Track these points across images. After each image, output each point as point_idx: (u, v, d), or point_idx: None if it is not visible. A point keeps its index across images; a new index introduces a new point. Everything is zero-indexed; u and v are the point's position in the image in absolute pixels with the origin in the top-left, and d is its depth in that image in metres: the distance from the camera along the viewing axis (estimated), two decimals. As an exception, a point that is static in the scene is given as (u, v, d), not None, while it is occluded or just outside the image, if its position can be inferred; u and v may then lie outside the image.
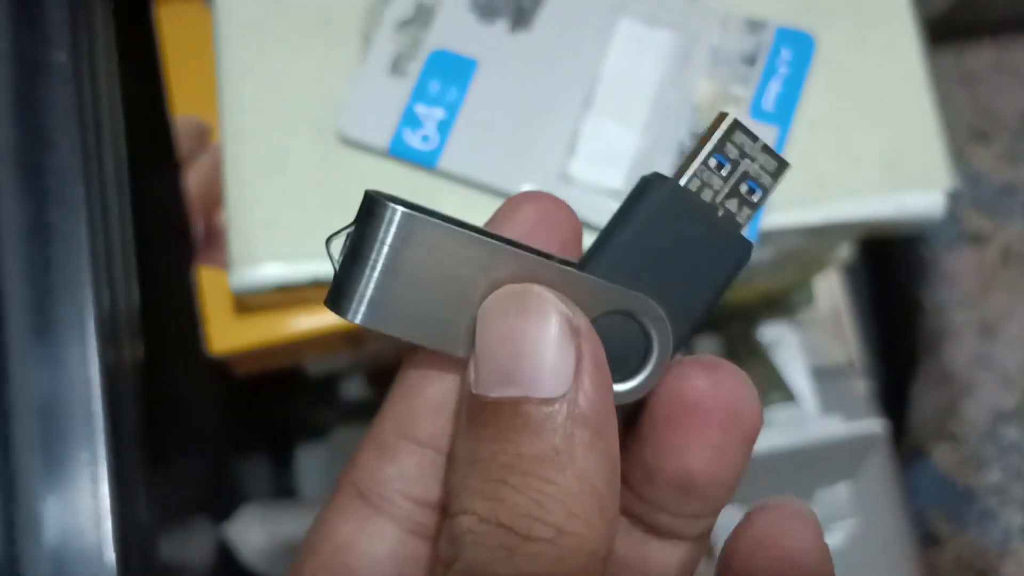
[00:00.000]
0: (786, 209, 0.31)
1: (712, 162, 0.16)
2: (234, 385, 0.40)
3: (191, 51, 0.35)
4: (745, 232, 0.16)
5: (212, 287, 0.33)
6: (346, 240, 0.15)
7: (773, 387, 0.47)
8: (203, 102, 0.34)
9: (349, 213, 0.33)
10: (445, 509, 0.15)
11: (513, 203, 0.17)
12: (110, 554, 0.24)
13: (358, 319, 0.15)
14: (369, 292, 0.15)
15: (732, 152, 0.16)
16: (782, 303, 0.49)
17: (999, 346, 0.58)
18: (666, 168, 0.31)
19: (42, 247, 0.25)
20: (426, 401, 0.16)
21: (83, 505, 0.25)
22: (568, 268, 0.15)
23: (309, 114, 0.32)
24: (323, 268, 0.31)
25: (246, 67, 0.32)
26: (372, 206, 0.15)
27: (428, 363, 0.16)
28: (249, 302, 0.33)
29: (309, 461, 0.48)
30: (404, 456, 0.16)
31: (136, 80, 0.33)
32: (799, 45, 0.32)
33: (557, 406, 0.14)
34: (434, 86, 0.32)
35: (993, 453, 0.57)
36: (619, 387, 0.16)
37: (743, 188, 0.16)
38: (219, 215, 0.35)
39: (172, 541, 0.33)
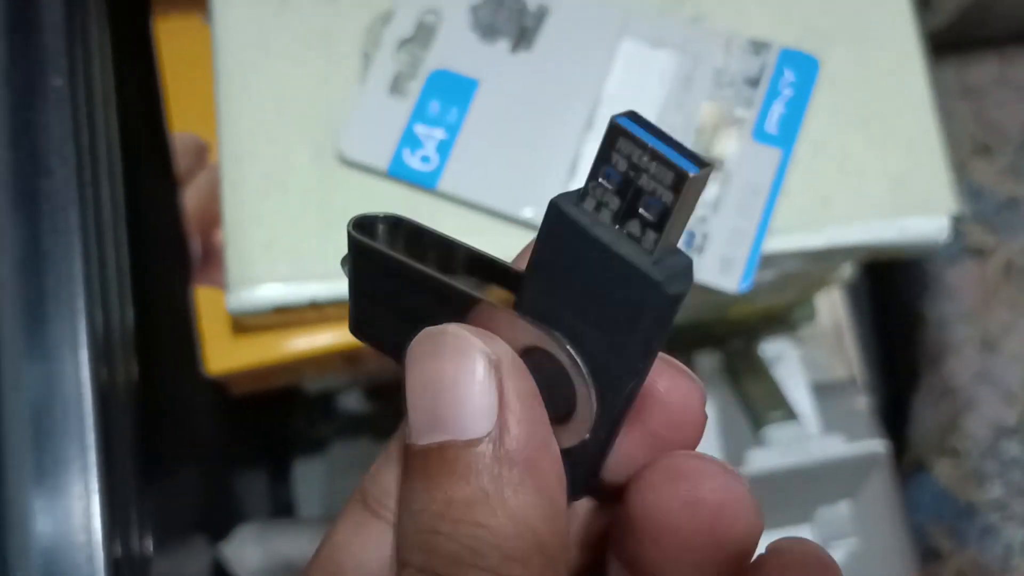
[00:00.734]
0: (789, 233, 0.31)
1: (604, 178, 0.13)
2: (231, 401, 0.39)
3: (190, 67, 0.35)
4: (662, 263, 0.13)
5: (209, 307, 0.33)
6: None
7: (774, 405, 0.47)
8: (202, 119, 0.34)
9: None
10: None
11: None
12: (102, 573, 0.24)
13: (352, 332, 0.15)
14: (353, 310, 0.15)
15: (621, 164, 0.13)
16: (783, 319, 0.49)
17: (1001, 361, 0.58)
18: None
19: (36, 272, 0.24)
20: None
21: (75, 525, 0.24)
22: (491, 302, 0.14)
23: (308, 133, 0.32)
24: (321, 289, 0.31)
25: (245, 85, 0.32)
26: (349, 228, 0.15)
27: None
28: (246, 323, 0.32)
29: (307, 476, 0.48)
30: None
31: (135, 96, 0.32)
32: (803, 67, 0.31)
33: (483, 447, 0.13)
34: (434, 106, 0.31)
35: (994, 469, 0.57)
36: (561, 427, 0.14)
37: (642, 207, 0.13)
38: (217, 234, 0.34)
39: (167, 561, 0.33)
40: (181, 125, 0.35)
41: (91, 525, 0.24)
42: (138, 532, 0.27)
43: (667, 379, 0.15)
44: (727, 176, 0.31)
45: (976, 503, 0.56)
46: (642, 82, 0.32)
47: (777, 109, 0.31)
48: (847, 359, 0.53)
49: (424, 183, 0.31)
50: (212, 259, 0.34)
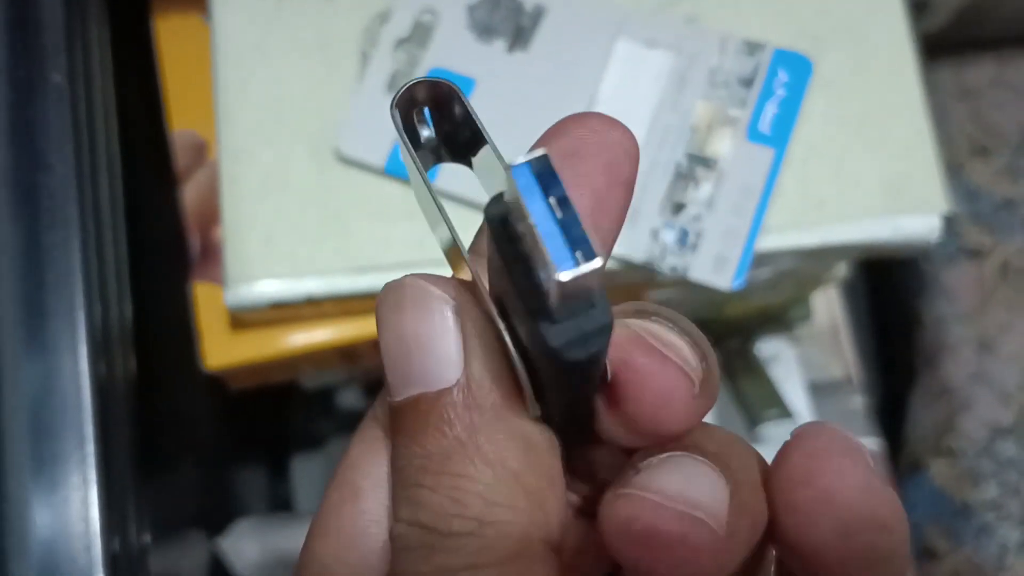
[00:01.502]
0: (782, 232, 0.31)
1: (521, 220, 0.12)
2: (229, 397, 0.40)
3: (189, 66, 0.35)
4: (567, 322, 0.11)
5: (208, 303, 0.33)
6: None
7: (770, 403, 0.47)
8: (201, 117, 0.34)
9: (345, 231, 0.33)
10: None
11: (559, 127, 0.15)
12: (99, 572, 0.24)
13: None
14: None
15: (519, 223, 0.12)
16: (779, 318, 0.49)
17: (997, 362, 0.58)
18: (660, 189, 0.31)
19: (35, 266, 0.25)
20: None
21: (73, 519, 0.25)
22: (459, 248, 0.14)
23: (306, 131, 0.32)
24: (318, 286, 0.31)
25: (243, 84, 0.32)
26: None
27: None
28: (244, 318, 0.33)
29: (305, 472, 0.48)
30: None
31: (134, 94, 0.33)
32: (797, 68, 0.32)
33: (454, 395, 0.13)
34: (431, 105, 0.32)
35: (990, 469, 0.57)
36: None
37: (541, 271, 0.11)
38: (216, 230, 0.35)
39: (164, 555, 0.33)
40: (180, 123, 0.35)
41: (89, 517, 0.25)
42: (136, 526, 0.28)
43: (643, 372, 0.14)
44: (721, 175, 0.31)
45: (971, 503, 0.56)
46: (637, 82, 0.32)
47: (771, 109, 0.31)
48: (843, 359, 0.54)
49: (420, 181, 0.31)
50: (211, 256, 0.34)
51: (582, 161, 0.14)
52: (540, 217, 0.11)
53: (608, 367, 0.13)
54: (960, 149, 0.58)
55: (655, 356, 0.13)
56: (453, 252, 0.14)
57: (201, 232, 0.35)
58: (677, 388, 0.13)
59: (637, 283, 0.33)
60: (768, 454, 0.15)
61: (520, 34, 0.32)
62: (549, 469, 0.14)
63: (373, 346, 0.35)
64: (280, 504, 0.48)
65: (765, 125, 0.31)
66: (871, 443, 0.44)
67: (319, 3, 0.33)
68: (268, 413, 0.48)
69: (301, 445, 0.49)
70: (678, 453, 0.14)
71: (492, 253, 0.13)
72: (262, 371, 0.35)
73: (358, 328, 0.33)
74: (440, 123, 0.15)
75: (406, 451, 0.14)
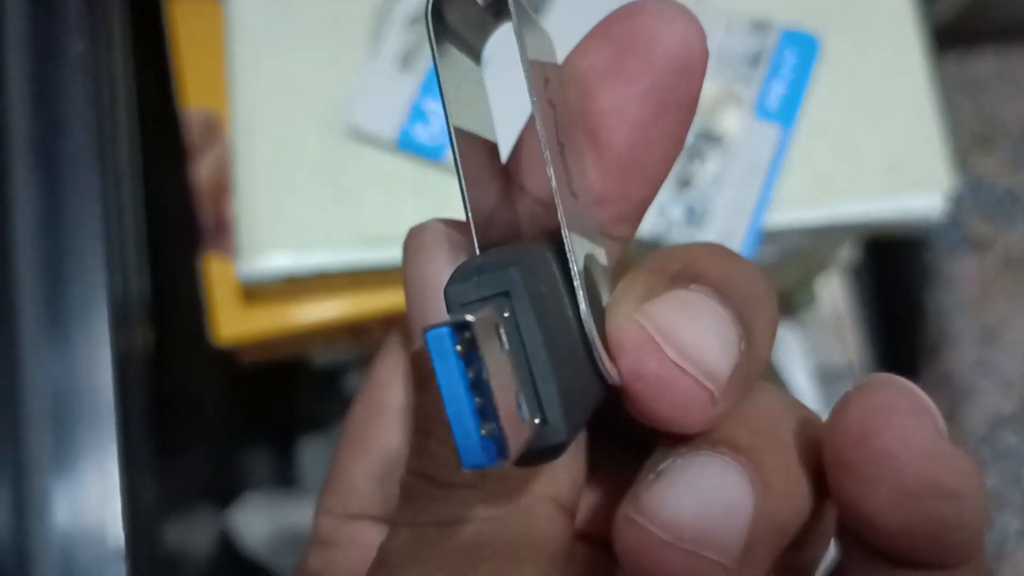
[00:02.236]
0: (788, 209, 0.32)
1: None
2: (239, 375, 0.40)
3: (202, 44, 0.35)
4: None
5: (220, 276, 0.34)
6: None
7: (773, 387, 0.47)
8: (214, 94, 0.35)
9: (357, 205, 0.33)
10: None
11: (602, 27, 0.13)
12: (118, 538, 0.25)
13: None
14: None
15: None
16: (784, 303, 0.49)
17: (999, 352, 0.59)
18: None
19: (57, 233, 0.25)
20: None
21: (92, 488, 0.25)
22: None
23: (318, 108, 0.33)
24: (329, 260, 0.32)
25: (257, 61, 0.33)
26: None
27: None
28: (256, 291, 0.33)
29: (312, 453, 0.49)
30: None
31: (148, 72, 0.33)
32: (803, 47, 0.32)
33: None
34: (442, 82, 0.32)
35: (990, 458, 0.58)
36: None
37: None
38: (228, 206, 0.35)
39: (177, 527, 0.33)
40: (194, 100, 0.35)
41: (108, 490, 0.25)
42: (152, 498, 0.28)
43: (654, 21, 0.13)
44: (728, 153, 0.31)
45: (972, 492, 0.57)
46: (646, 61, 0.32)
47: (777, 88, 0.32)
48: (846, 346, 0.54)
49: (432, 156, 0.32)
50: (223, 231, 0.35)
51: (615, 83, 0.13)
52: (451, 397, 0.10)
53: (618, 374, 0.12)
54: (963, 140, 0.59)
55: (666, 367, 0.12)
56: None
57: (214, 207, 0.35)
58: (693, 399, 0.12)
59: (644, 260, 0.33)
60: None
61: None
62: None
63: (382, 322, 0.35)
64: (287, 482, 0.48)
65: (772, 103, 0.32)
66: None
67: (332, -18, 0.34)
68: (277, 394, 0.48)
69: (308, 426, 0.50)
70: (701, 455, 0.12)
71: None
72: (272, 346, 0.36)
73: (368, 303, 0.34)
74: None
75: (421, 400, 0.14)
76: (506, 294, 0.11)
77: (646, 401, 0.12)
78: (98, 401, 0.25)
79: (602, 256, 0.13)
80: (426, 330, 0.10)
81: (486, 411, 0.10)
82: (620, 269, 0.14)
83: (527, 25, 0.13)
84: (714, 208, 0.31)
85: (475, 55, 0.14)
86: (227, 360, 0.37)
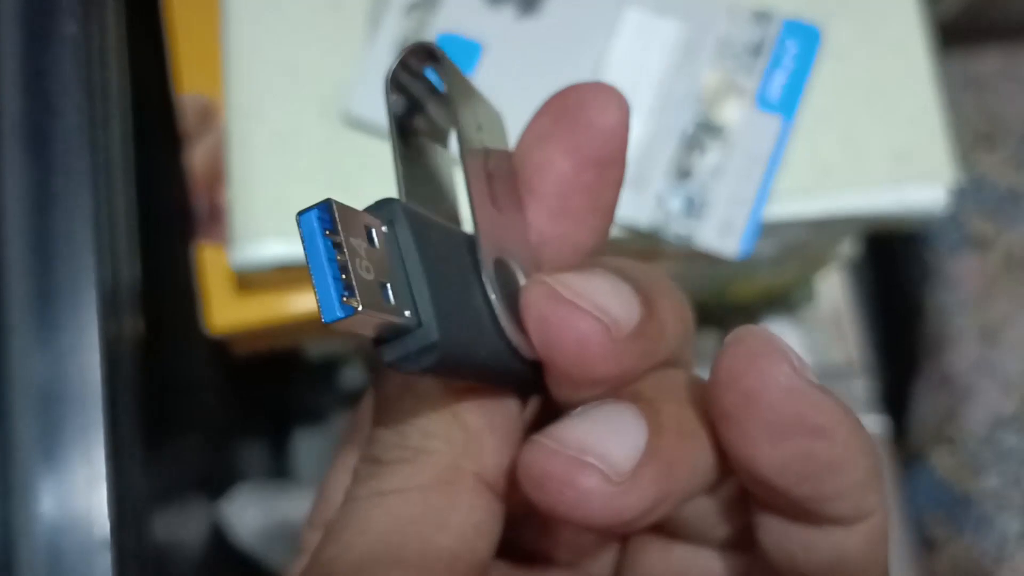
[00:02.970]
0: (788, 200, 0.31)
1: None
2: (232, 367, 0.40)
3: (198, 28, 0.35)
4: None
5: (213, 265, 0.34)
6: None
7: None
8: (209, 80, 0.34)
9: (353, 192, 0.33)
10: None
11: (545, 106, 0.16)
12: (104, 527, 0.24)
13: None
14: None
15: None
16: (783, 300, 0.49)
17: (1000, 351, 0.58)
18: (666, 155, 0.31)
19: (46, 215, 0.25)
20: None
21: (78, 477, 0.25)
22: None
23: (315, 94, 0.32)
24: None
25: (253, 46, 0.32)
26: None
27: None
28: (249, 280, 0.33)
29: (306, 446, 0.49)
30: None
31: (142, 57, 0.33)
32: (805, 38, 0.32)
33: None
34: (440, 69, 0.32)
35: (991, 458, 0.57)
36: None
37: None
38: (221, 194, 0.35)
39: (167, 519, 0.33)
40: (189, 86, 0.35)
41: (95, 481, 0.25)
42: (141, 490, 0.28)
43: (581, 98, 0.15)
44: (728, 143, 0.31)
45: (972, 492, 0.56)
46: (646, 50, 0.32)
47: (779, 78, 0.31)
48: (846, 344, 0.54)
49: (428, 144, 0.31)
50: (216, 219, 0.34)
51: (547, 144, 0.15)
52: (313, 255, 0.11)
53: (526, 328, 0.14)
54: (966, 138, 0.58)
55: (563, 306, 0.14)
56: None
57: (208, 195, 0.35)
58: (591, 333, 0.14)
59: (644, 253, 0.33)
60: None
61: (530, 0, 0.32)
62: (494, 414, 0.15)
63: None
64: (281, 475, 0.48)
65: (774, 94, 0.31)
66: (876, 423, 0.44)
67: (330, -32, 0.33)
68: (271, 387, 0.48)
69: (302, 419, 0.49)
70: (602, 401, 0.14)
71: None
72: (266, 336, 0.35)
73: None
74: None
75: (375, 391, 0.16)
76: (391, 223, 0.13)
77: (550, 347, 0.14)
78: (86, 389, 0.25)
79: (521, 278, 0.15)
80: (298, 214, 0.11)
81: (350, 285, 0.11)
82: None
83: (470, 101, 0.15)
84: (713, 199, 0.30)
85: (437, 129, 0.16)
86: (220, 350, 0.37)
